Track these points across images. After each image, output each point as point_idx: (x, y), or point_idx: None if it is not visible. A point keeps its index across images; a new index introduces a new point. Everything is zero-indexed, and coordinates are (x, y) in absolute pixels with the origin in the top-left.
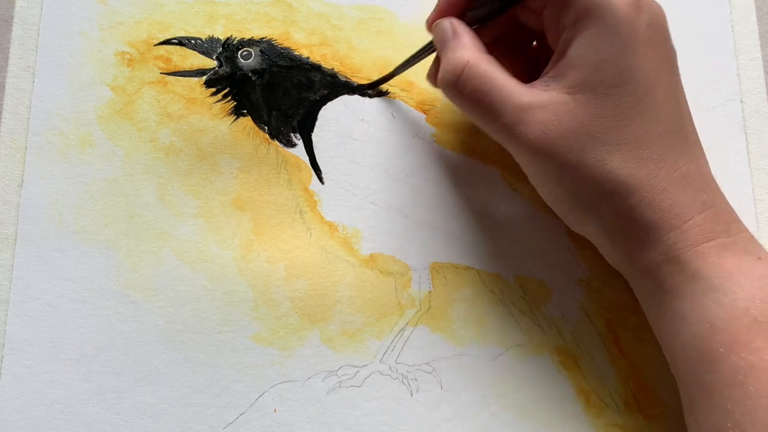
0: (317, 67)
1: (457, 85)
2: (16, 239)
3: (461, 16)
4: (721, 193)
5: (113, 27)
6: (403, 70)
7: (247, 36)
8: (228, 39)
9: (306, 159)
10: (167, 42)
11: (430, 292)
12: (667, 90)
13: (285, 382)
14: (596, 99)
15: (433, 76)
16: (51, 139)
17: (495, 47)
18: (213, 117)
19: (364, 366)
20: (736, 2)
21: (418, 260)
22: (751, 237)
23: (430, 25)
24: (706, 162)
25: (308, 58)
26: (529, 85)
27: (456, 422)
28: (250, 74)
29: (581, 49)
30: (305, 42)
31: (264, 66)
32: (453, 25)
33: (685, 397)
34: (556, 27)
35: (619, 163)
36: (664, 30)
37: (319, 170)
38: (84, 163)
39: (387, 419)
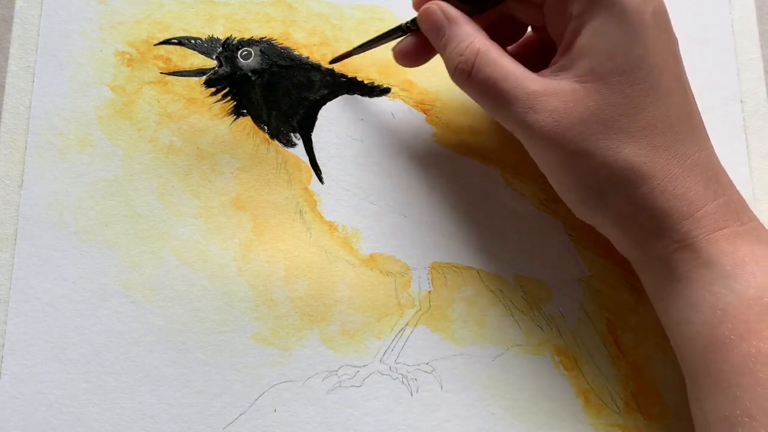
0: (317, 67)
1: (471, 74)
2: (16, 239)
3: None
4: (731, 181)
5: (113, 27)
6: (369, 48)
7: (247, 36)
8: (228, 39)
9: (306, 159)
10: (167, 42)
11: (430, 292)
12: (675, 77)
13: (285, 382)
14: (607, 87)
15: (402, 53)
16: (51, 139)
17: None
18: (213, 117)
19: (364, 366)
20: (736, 2)
21: (418, 260)
22: (762, 226)
23: (418, 5)
24: (714, 151)
25: (308, 58)
26: (538, 73)
27: (456, 422)
28: (250, 74)
29: (590, 39)
30: (305, 42)
31: (264, 66)
32: (444, 9)
33: (691, 387)
34: (559, 18)
35: (632, 150)
36: (667, 18)
37: (319, 170)
38: (84, 163)
39: (387, 419)
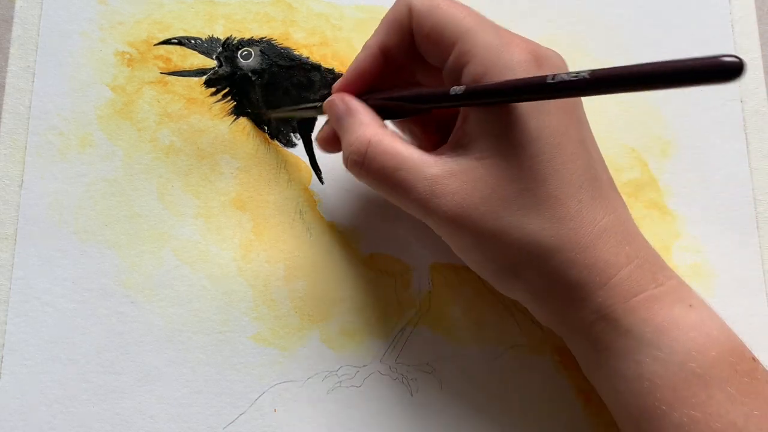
0: (317, 67)
1: (364, 165)
2: (16, 239)
3: (365, 91)
4: (645, 240)
5: (113, 27)
6: (293, 116)
7: (247, 36)
8: (228, 39)
9: (306, 159)
10: (167, 42)
11: (430, 292)
12: (576, 142)
13: (285, 382)
14: (506, 162)
15: (324, 140)
16: (51, 139)
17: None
18: (213, 117)
19: (364, 366)
20: (736, 2)
21: (418, 260)
22: (681, 283)
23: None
24: (626, 209)
25: (308, 58)
26: (435, 154)
27: (456, 422)
28: (250, 74)
29: (485, 114)
30: (305, 42)
31: (264, 66)
32: (345, 101)
33: None
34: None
35: (538, 225)
36: None
37: (319, 170)
38: (84, 163)
39: (387, 419)
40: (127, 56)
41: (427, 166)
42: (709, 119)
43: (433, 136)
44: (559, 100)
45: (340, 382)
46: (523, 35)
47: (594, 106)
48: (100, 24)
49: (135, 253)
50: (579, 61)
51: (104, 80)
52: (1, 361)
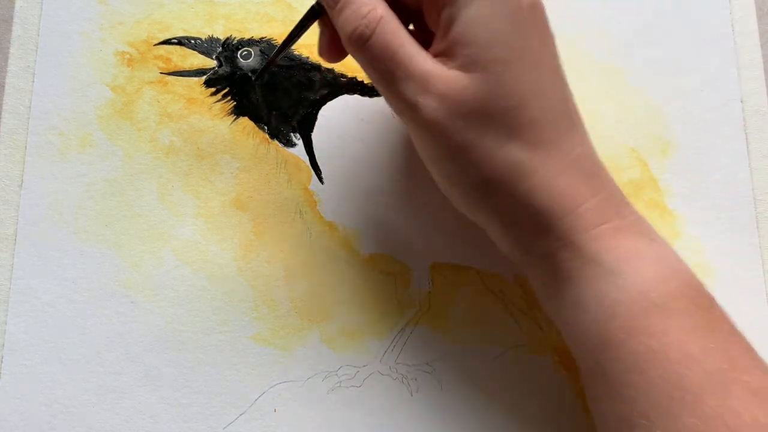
0: (317, 67)
1: (370, 40)
2: (16, 239)
3: None
4: (610, 176)
5: (113, 27)
6: (296, 40)
7: (247, 36)
8: (228, 39)
9: (306, 159)
10: (167, 42)
11: (430, 292)
12: (552, 71)
13: (285, 382)
14: (492, 77)
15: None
16: (51, 139)
17: None
18: (213, 117)
19: (364, 366)
20: (736, 2)
21: (418, 260)
22: (643, 219)
23: None
24: (592, 145)
25: (308, 58)
26: (430, 50)
27: (456, 422)
28: (249, 74)
29: (468, 26)
30: (305, 42)
31: (264, 66)
32: None
33: (588, 386)
34: (433, 3)
35: (516, 146)
36: (544, 15)
37: (319, 170)
38: (84, 163)
39: (387, 419)
40: (127, 56)
41: (424, 60)
42: (709, 119)
43: (426, 32)
44: (539, 28)
45: (340, 382)
46: None
47: (594, 106)
48: (100, 24)
49: (135, 253)
50: (579, 62)
51: (104, 80)
52: (1, 361)
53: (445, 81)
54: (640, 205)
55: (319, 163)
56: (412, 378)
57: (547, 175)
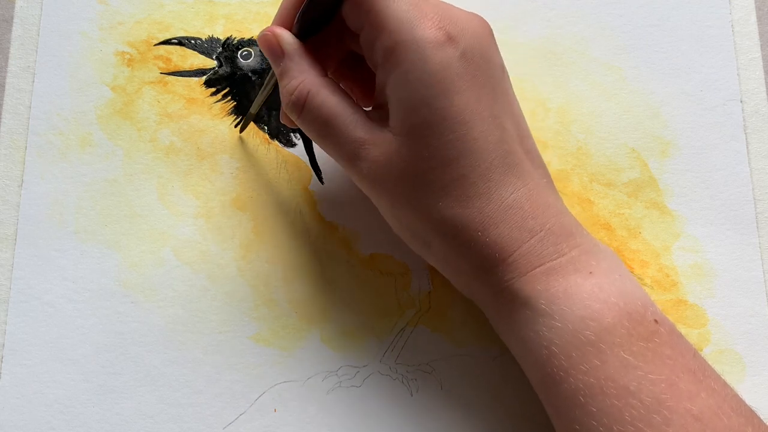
0: None
1: (302, 114)
2: (16, 239)
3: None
4: (557, 209)
5: (113, 27)
6: (261, 103)
7: (247, 36)
8: (228, 39)
9: (306, 159)
10: (167, 42)
11: (429, 292)
12: (488, 120)
13: (285, 382)
14: (416, 141)
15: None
16: (51, 139)
17: (339, 73)
18: (213, 117)
19: (364, 366)
20: (736, 2)
21: (418, 260)
22: (586, 251)
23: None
24: (543, 178)
25: None
26: (368, 113)
27: (456, 422)
28: (250, 74)
29: (395, 91)
30: None
31: (264, 66)
32: (279, 39)
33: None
34: (372, 58)
35: (446, 204)
36: (483, 53)
37: (319, 170)
38: (84, 163)
39: (387, 419)
40: (127, 56)
41: (355, 127)
42: (709, 119)
43: (370, 92)
44: (472, 74)
45: (340, 382)
46: (523, 35)
47: (594, 106)
48: (100, 24)
49: (135, 253)
50: (579, 62)
51: (104, 80)
52: (1, 361)
53: (378, 145)
54: (640, 205)
55: (319, 163)
56: (412, 378)
57: (477, 229)
